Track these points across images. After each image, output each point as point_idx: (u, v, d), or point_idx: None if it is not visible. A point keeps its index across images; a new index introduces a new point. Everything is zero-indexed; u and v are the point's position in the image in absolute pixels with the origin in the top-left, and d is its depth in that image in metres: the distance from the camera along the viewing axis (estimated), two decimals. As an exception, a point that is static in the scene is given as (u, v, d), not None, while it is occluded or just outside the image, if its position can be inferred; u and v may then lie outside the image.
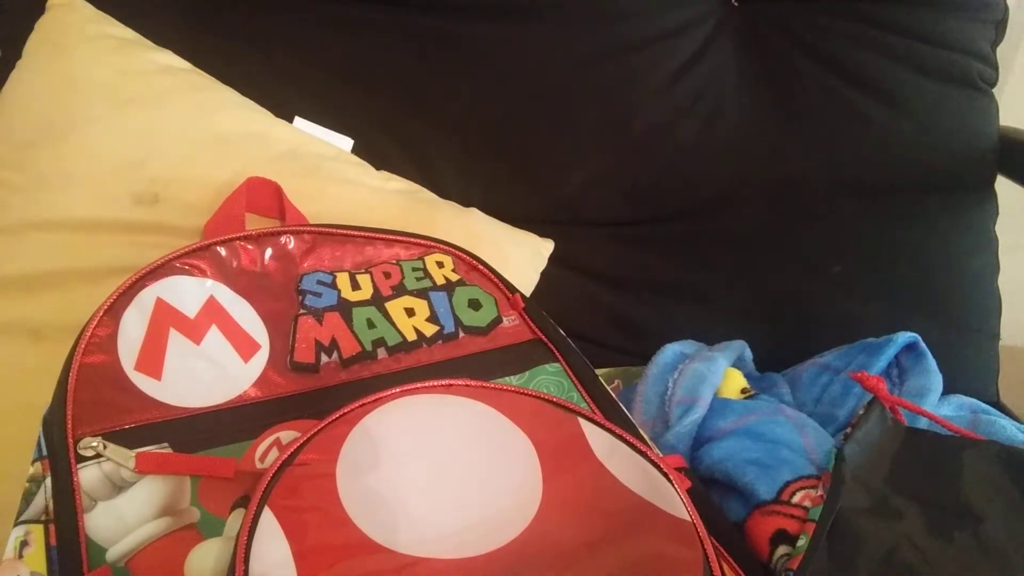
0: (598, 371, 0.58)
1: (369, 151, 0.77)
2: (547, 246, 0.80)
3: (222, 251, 0.55)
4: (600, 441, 0.48)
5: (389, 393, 0.48)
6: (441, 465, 0.45)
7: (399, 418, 0.47)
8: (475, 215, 0.78)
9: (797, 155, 0.83)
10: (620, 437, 0.49)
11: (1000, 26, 0.86)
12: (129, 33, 0.71)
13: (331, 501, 0.41)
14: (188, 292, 0.52)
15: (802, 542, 0.48)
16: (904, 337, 0.70)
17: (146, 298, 0.51)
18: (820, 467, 0.55)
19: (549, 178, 0.82)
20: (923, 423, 0.62)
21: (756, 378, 0.74)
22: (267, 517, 0.40)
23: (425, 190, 0.78)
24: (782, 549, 0.49)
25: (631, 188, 0.83)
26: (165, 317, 0.50)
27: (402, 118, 0.79)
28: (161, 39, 0.72)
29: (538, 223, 0.80)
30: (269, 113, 0.73)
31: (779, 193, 0.83)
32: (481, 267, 0.63)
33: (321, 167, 0.72)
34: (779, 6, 0.84)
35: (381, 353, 0.54)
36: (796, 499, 0.52)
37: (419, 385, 0.49)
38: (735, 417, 0.60)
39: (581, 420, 0.49)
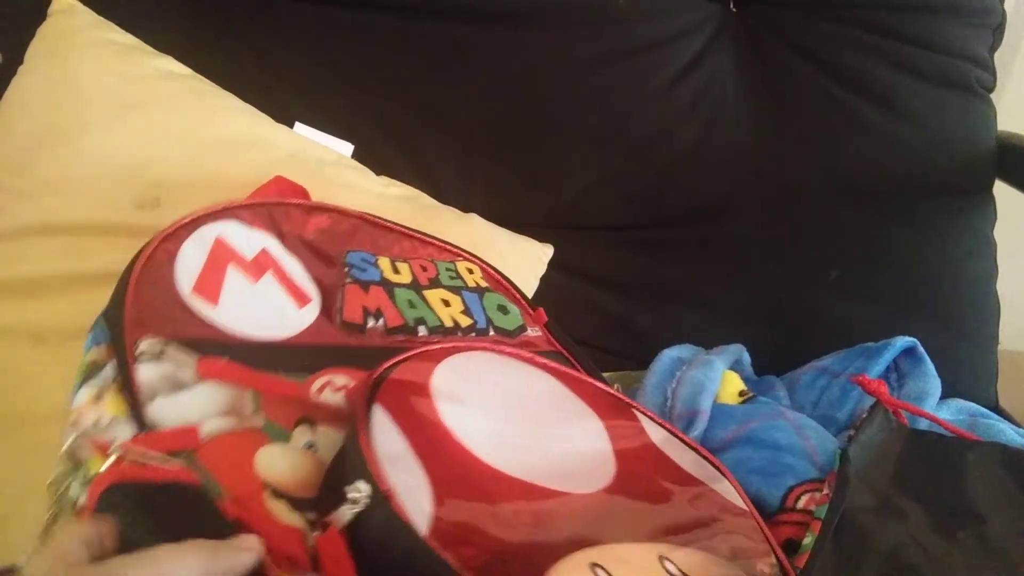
0: (602, 374, 0.59)
1: (370, 156, 0.77)
2: (547, 251, 0.80)
3: (276, 212, 0.56)
4: (655, 432, 0.52)
5: (477, 343, 0.51)
6: (523, 415, 0.46)
7: (481, 367, 0.49)
8: (475, 220, 0.78)
9: (795, 160, 0.84)
10: (672, 432, 0.52)
11: (998, 31, 0.86)
12: (130, 39, 0.71)
13: (434, 416, 0.42)
14: (245, 238, 0.53)
15: (808, 540, 0.48)
16: (902, 341, 0.70)
17: (206, 234, 0.51)
18: (823, 469, 0.55)
19: (548, 183, 0.82)
20: (923, 425, 0.63)
21: (754, 381, 0.74)
22: (379, 412, 0.39)
23: (425, 195, 0.78)
24: (792, 558, 0.50)
25: (630, 193, 0.83)
26: (224, 254, 0.51)
27: (402, 123, 0.79)
28: (162, 45, 0.72)
29: (537, 228, 0.81)
30: (270, 118, 0.73)
31: (777, 198, 0.84)
32: (505, 283, 0.65)
33: (322, 172, 0.72)
34: (777, 11, 0.85)
35: (422, 331, 0.55)
36: (801, 503, 0.52)
37: (505, 347, 0.52)
38: (735, 425, 0.60)
39: (636, 412, 0.52)
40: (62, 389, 0.54)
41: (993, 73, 0.86)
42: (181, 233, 0.50)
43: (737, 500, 0.49)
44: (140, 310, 0.44)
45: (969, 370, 0.84)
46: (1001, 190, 0.86)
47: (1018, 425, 0.72)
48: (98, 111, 0.66)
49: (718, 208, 0.84)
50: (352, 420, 0.38)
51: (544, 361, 0.53)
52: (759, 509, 0.53)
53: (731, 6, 0.86)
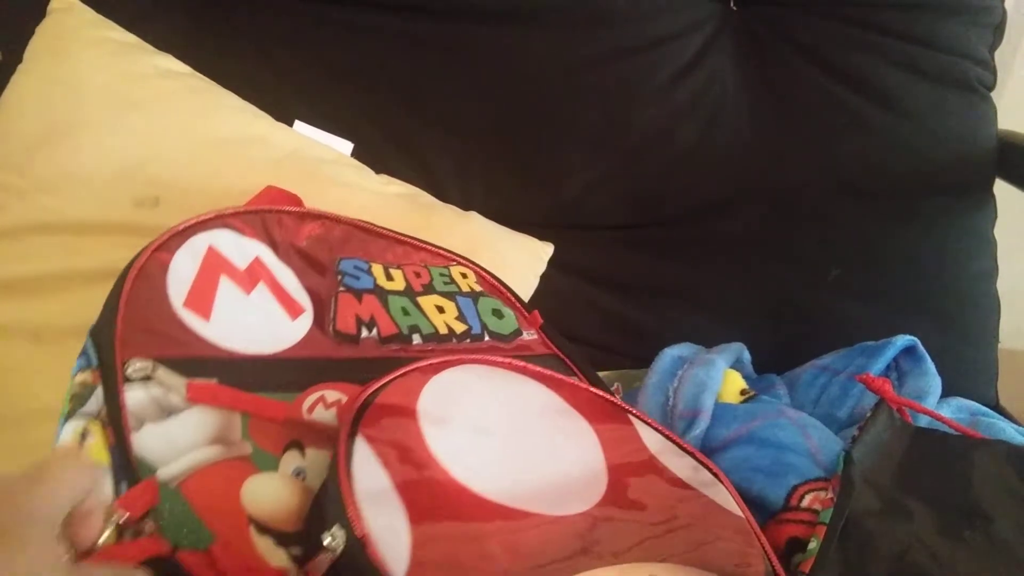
0: (598, 374, 0.58)
1: (369, 155, 0.77)
2: (547, 249, 0.80)
3: (268, 220, 0.56)
4: (650, 437, 0.51)
5: (468, 356, 0.50)
6: (514, 434, 0.46)
7: (471, 381, 0.48)
8: (475, 218, 0.78)
9: (796, 159, 0.84)
10: (668, 437, 0.52)
11: (998, 30, 0.86)
12: (130, 37, 0.71)
13: (419, 442, 0.41)
14: (237, 247, 0.52)
15: (813, 545, 0.48)
16: (903, 340, 0.70)
17: (198, 243, 0.50)
18: (827, 468, 0.55)
19: (548, 181, 0.82)
20: (924, 423, 0.62)
21: (754, 379, 0.74)
22: (361, 445, 0.38)
23: (425, 193, 0.78)
24: (797, 558, 0.49)
25: (630, 191, 0.83)
26: (216, 264, 0.50)
27: (402, 122, 0.79)
28: (161, 43, 0.72)
29: (537, 226, 0.80)
30: (269, 117, 0.73)
31: (778, 196, 0.83)
32: (500, 287, 0.64)
33: (321, 170, 0.72)
34: (777, 10, 0.85)
35: (416, 339, 0.54)
36: (805, 502, 0.52)
37: (496, 358, 0.51)
38: (738, 424, 0.60)
39: (631, 417, 0.52)
40: (60, 388, 0.54)
41: (993, 72, 0.86)
42: (173, 243, 0.49)
43: (732, 505, 0.48)
44: (131, 327, 0.43)
45: (969, 369, 0.84)
46: (1001, 189, 0.85)
47: (1018, 423, 0.72)
48: (97, 109, 0.66)
49: (718, 208, 0.84)
50: (334, 457, 0.37)
51: (537, 370, 0.53)
52: (763, 508, 0.53)
53: (731, 5, 0.86)
